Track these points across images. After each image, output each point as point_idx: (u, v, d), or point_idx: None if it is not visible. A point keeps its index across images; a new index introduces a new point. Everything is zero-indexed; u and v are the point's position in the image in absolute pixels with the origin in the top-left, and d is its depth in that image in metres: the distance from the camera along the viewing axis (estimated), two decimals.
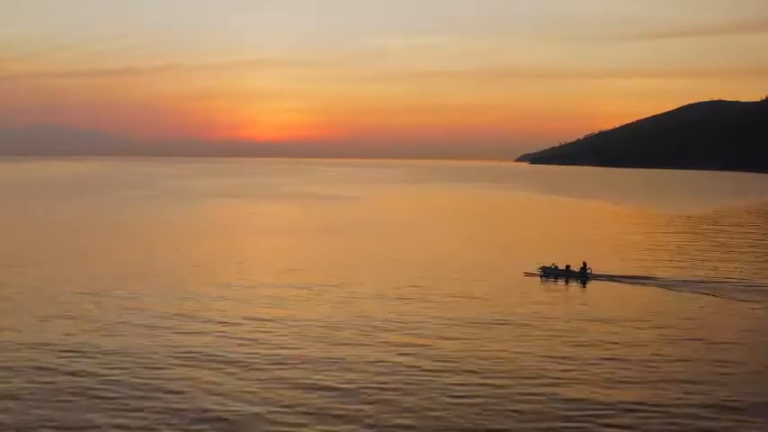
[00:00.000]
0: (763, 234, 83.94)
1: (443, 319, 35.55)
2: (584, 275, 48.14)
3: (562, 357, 29.21)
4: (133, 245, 63.66)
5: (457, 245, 67.34)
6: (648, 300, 41.73)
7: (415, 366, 27.71)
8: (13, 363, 27.68)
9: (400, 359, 28.63)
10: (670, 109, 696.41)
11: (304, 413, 22.95)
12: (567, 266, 49.12)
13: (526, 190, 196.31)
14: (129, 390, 24.78)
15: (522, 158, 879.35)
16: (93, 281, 45.07)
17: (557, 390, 25.27)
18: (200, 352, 29.21)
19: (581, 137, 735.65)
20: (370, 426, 22.15)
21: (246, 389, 25.01)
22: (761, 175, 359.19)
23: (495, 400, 24.21)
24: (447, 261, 55.67)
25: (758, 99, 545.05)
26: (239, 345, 30.45)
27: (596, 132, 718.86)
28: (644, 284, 46.44)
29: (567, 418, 22.81)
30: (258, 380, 25.95)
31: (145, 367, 27.19)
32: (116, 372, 26.64)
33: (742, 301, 41.65)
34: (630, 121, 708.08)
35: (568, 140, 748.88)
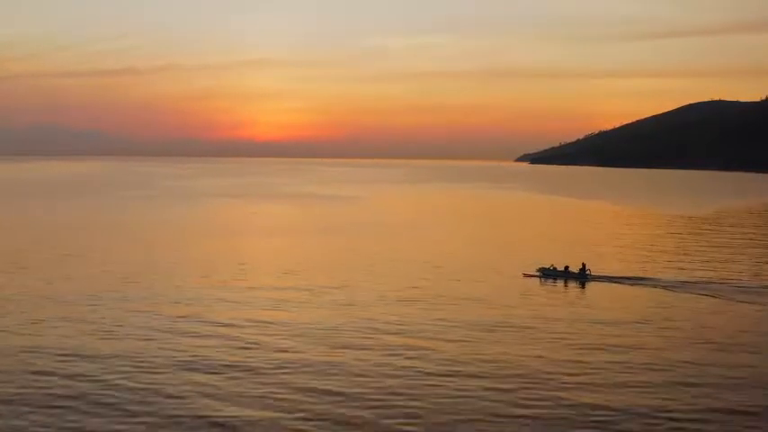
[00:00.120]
0: (765, 235, 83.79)
1: (444, 322, 35.38)
2: (583, 276, 48.04)
3: (565, 361, 29.02)
4: (133, 245, 63.55)
5: (457, 245, 67.25)
6: (649, 301, 41.57)
7: (417, 370, 27.50)
8: (8, 366, 27.48)
9: (402, 362, 28.44)
10: (670, 109, 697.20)
11: (305, 418, 22.78)
12: (566, 267, 49.03)
13: (526, 190, 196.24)
14: (127, 394, 24.58)
15: (522, 158, 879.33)
16: (93, 282, 44.96)
17: (561, 394, 25.08)
18: (199, 356, 29.03)
19: (581, 137, 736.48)
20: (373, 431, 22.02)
21: (246, 393, 24.83)
22: (761, 175, 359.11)
23: (498, 405, 24.03)
24: (447, 262, 55.57)
25: (758, 99, 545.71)
26: (239, 348, 30.24)
27: (596, 132, 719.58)
28: (643, 285, 46.30)
29: (572, 423, 22.65)
30: (258, 384, 25.75)
31: (143, 371, 26.98)
32: (114, 376, 26.42)
33: (743, 302, 41.48)
34: (630, 121, 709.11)
35: (568, 140, 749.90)
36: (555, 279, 48.29)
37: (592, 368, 28.02)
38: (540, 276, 48.85)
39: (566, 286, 46.53)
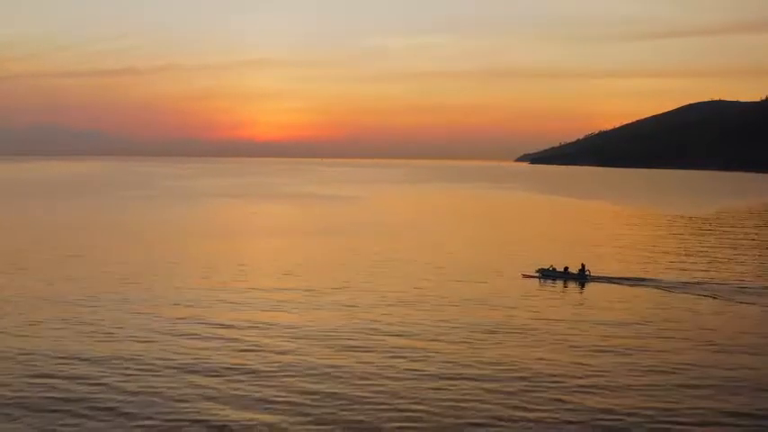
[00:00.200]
0: (765, 235, 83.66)
1: (445, 323, 35.27)
2: (582, 277, 48.00)
3: (567, 363, 28.91)
4: (132, 246, 63.50)
5: (457, 246, 67.17)
6: (650, 302, 41.44)
7: (419, 372, 27.37)
8: (6, 369, 27.36)
9: (403, 365, 28.30)
10: (670, 109, 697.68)
11: (306, 422, 22.70)
12: (566, 268, 48.99)
13: (526, 190, 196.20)
14: (127, 397, 24.47)
15: (521, 158, 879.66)
16: (92, 283, 44.89)
17: (563, 397, 24.98)
18: (199, 358, 28.90)
19: (581, 137, 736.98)
20: None
21: (247, 396, 24.71)
22: (761, 175, 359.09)
23: (501, 408, 23.91)
24: (447, 262, 55.50)
25: (758, 99, 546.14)
26: (240, 350, 30.12)
27: (596, 132, 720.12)
28: (643, 286, 46.19)
29: (576, 427, 22.57)
30: (259, 387, 25.63)
31: (143, 374, 26.86)
32: (113, 379, 26.30)
33: (744, 303, 41.39)
34: (630, 121, 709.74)
35: (568, 140, 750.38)
36: (554, 280, 48.25)
37: (594, 371, 27.92)
38: (539, 277, 48.82)
39: (565, 287, 46.50)
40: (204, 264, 53.77)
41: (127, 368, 27.46)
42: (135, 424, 22.34)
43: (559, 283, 47.33)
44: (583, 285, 46.85)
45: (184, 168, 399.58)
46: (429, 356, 29.49)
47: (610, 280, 48.02)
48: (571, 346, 31.45)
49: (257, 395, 24.79)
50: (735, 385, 26.57)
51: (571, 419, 23.03)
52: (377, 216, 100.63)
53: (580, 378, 27.00)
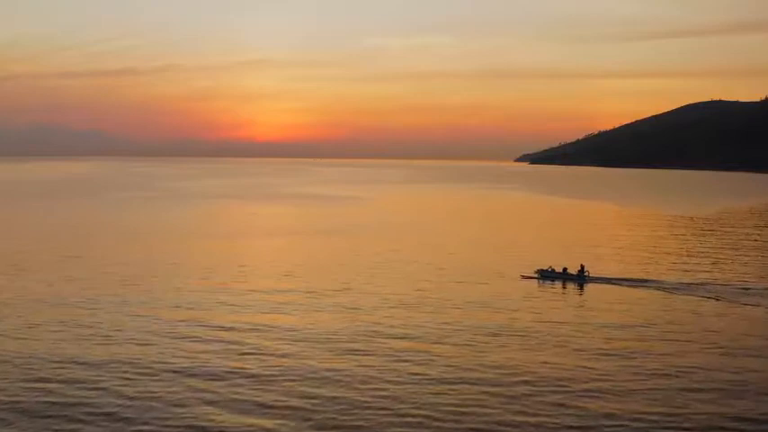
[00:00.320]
0: (767, 235, 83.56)
1: (446, 326, 35.04)
2: (581, 278, 47.90)
3: (570, 367, 28.67)
4: (132, 247, 63.34)
5: (457, 246, 67.00)
6: (650, 304, 41.18)
7: (421, 376, 27.15)
8: (3, 372, 27.14)
9: (404, 368, 28.09)
10: (670, 109, 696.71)
11: (306, 427, 22.52)
12: (565, 269, 48.87)
13: (526, 191, 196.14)
14: (126, 401, 24.27)
15: (521, 159, 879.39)
16: (91, 285, 44.68)
17: (567, 401, 24.76)
18: (199, 361, 28.69)
19: (581, 137, 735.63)
20: None
21: (247, 400, 24.50)
22: (761, 175, 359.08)
23: (503, 412, 23.74)
24: (447, 263, 55.33)
25: (758, 99, 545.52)
26: (240, 354, 29.91)
27: (596, 132, 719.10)
28: (643, 287, 46.01)
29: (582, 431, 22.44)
30: (259, 391, 25.42)
31: (142, 377, 26.63)
32: (112, 383, 26.09)
33: (748, 305, 41.14)
34: (630, 121, 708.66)
35: (568, 140, 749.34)
36: (553, 281, 48.13)
37: (598, 374, 27.66)
38: (537, 278, 48.73)
39: (564, 288, 46.39)
40: (204, 265, 53.65)
41: (125, 372, 27.24)
42: (133, 429, 22.14)
43: (558, 285, 47.22)
44: (582, 286, 46.72)
45: (184, 169, 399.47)
46: (430, 360, 29.26)
47: (609, 281, 47.90)
48: (573, 350, 31.22)
49: (257, 399, 24.57)
50: (739, 389, 26.31)
51: (575, 424, 22.81)
52: (377, 216, 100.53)
53: (584, 382, 26.75)
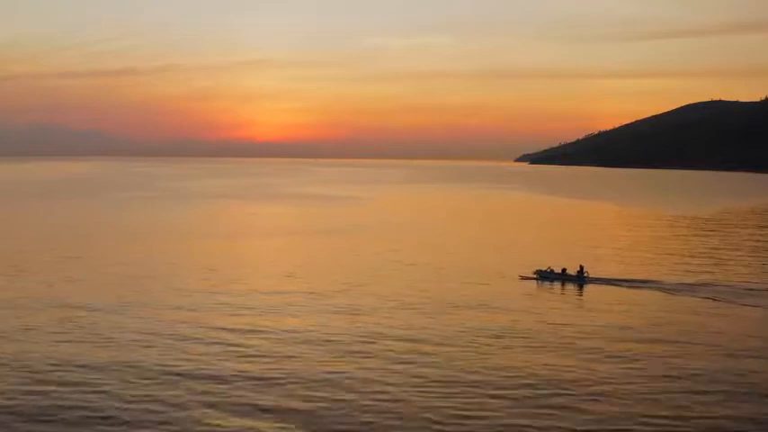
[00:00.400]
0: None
1: (446, 328, 34.89)
2: (580, 279, 47.84)
3: (573, 369, 28.51)
4: (132, 247, 63.25)
5: (457, 247, 66.92)
6: (652, 306, 41.01)
7: (422, 380, 26.94)
8: (1, 375, 26.97)
9: (404, 371, 27.95)
10: (670, 109, 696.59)
11: (308, 429, 22.39)
12: (564, 270, 48.81)
13: (526, 191, 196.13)
14: (125, 404, 24.11)
15: (521, 159, 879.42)
16: (91, 286, 44.59)
17: (569, 403, 24.63)
18: (199, 364, 28.48)
19: (581, 137, 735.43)
20: None
21: (246, 403, 24.35)
22: (761, 175, 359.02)
23: (506, 414, 23.61)
24: (448, 264, 55.19)
25: (758, 99, 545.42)
26: (240, 356, 29.73)
27: (596, 132, 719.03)
28: (643, 288, 45.84)
29: None
30: (259, 394, 25.28)
31: (142, 380, 26.44)
32: (111, 386, 25.87)
33: (750, 306, 41.00)
34: (630, 121, 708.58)
35: (568, 140, 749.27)
36: (552, 282, 48.08)
37: (600, 377, 27.48)
38: (536, 279, 48.69)
39: (563, 289, 46.35)
40: (204, 265, 53.59)
41: (125, 374, 27.06)
42: None
43: (557, 285, 47.17)
44: (581, 287, 46.64)
45: (184, 169, 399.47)
46: (431, 362, 29.09)
47: (608, 282, 47.82)
48: (574, 352, 31.05)
49: (258, 402, 24.40)
50: (743, 391, 26.15)
51: (579, 428, 22.68)
52: (377, 216, 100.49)
53: (586, 385, 26.58)
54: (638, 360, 29.86)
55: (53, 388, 25.69)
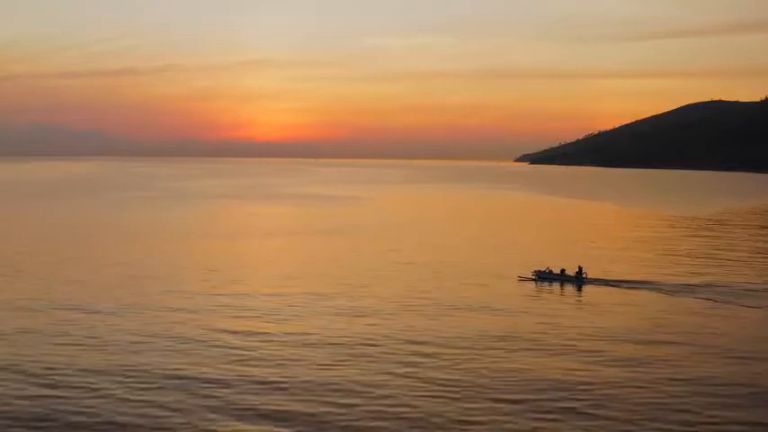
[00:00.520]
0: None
1: (446, 330, 34.79)
2: (579, 280, 47.76)
3: (572, 371, 28.42)
4: (131, 247, 63.10)
5: (457, 247, 66.72)
6: (650, 306, 40.89)
7: (423, 381, 26.83)
8: None
9: (409, 374, 27.82)
10: (670, 109, 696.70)
11: None
12: (562, 270, 48.69)
13: (526, 191, 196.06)
14: (122, 408, 23.97)
15: (521, 159, 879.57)
16: (90, 288, 44.45)
17: (574, 407, 24.49)
18: (199, 368, 28.31)
19: (581, 137, 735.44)
20: None
21: (246, 407, 24.23)
22: (761, 175, 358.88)
23: (511, 419, 23.48)
24: (447, 264, 55.01)
25: (758, 99, 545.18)
26: (240, 359, 29.58)
27: (596, 132, 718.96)
28: (642, 289, 45.72)
29: None
30: (259, 397, 25.15)
31: (140, 384, 26.26)
32: (109, 390, 25.72)
33: (748, 306, 40.88)
34: (630, 121, 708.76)
35: (568, 140, 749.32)
36: (550, 282, 48.01)
37: (605, 381, 27.26)
38: (535, 279, 48.62)
39: (562, 290, 46.28)
40: (204, 266, 53.48)
41: (123, 378, 26.89)
42: None
43: (556, 286, 47.07)
44: (580, 288, 46.52)
45: (184, 169, 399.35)
46: (433, 366, 28.94)
47: (607, 283, 47.70)
48: (578, 355, 30.90)
49: (259, 406, 24.26)
50: (745, 394, 26.00)
51: None
52: (377, 216, 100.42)
53: (591, 389, 26.40)
54: (640, 363, 29.67)
55: (50, 392, 25.51)
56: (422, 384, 26.62)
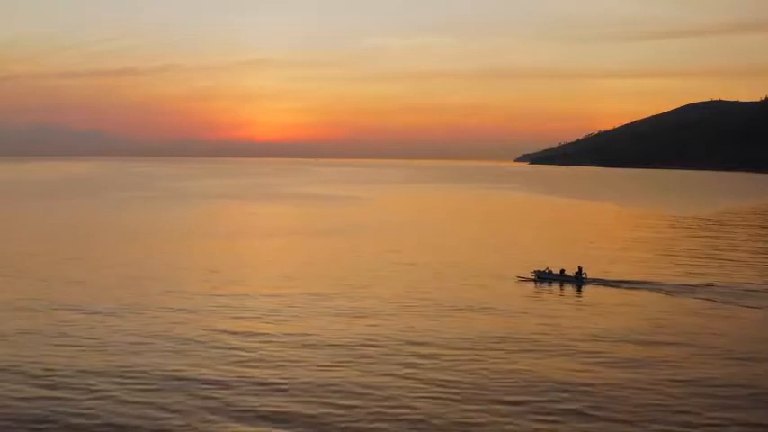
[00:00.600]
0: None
1: (446, 331, 34.72)
2: (579, 280, 47.71)
3: (574, 373, 28.33)
4: (131, 248, 63.03)
5: (457, 247, 66.62)
6: (650, 306, 40.80)
7: (426, 385, 26.67)
8: None
9: (409, 375, 27.74)
10: (670, 109, 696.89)
11: None
12: (562, 271, 48.63)
13: (526, 191, 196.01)
14: (121, 410, 23.88)
15: (521, 159, 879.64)
16: (89, 289, 44.38)
17: (576, 409, 24.42)
18: (197, 369, 28.21)
19: (581, 137, 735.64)
20: None
21: (246, 409, 24.14)
22: (761, 175, 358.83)
23: (512, 421, 23.41)
24: (447, 265, 54.90)
25: (758, 99, 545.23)
26: (240, 361, 29.49)
27: (596, 132, 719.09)
28: (642, 290, 45.64)
29: None
30: (259, 399, 25.08)
31: (139, 386, 26.14)
32: (108, 392, 25.62)
33: (749, 307, 40.80)
34: (630, 121, 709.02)
35: (568, 140, 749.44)
36: (550, 283, 47.95)
37: (605, 382, 27.22)
38: (534, 280, 48.57)
39: (561, 290, 46.22)
40: (204, 266, 53.43)
41: (122, 379, 26.80)
42: None
43: (556, 287, 47.01)
44: (579, 289, 46.45)
45: (184, 169, 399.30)
46: (434, 367, 28.87)
47: (607, 283, 47.64)
48: (578, 356, 30.83)
49: (259, 407, 24.18)
50: (746, 395, 25.94)
51: None
52: (377, 216, 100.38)
53: (592, 390, 26.34)
54: (640, 364, 29.59)
55: (49, 393, 25.43)
56: (422, 386, 26.53)
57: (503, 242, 73.01)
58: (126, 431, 22.36)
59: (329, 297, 42.45)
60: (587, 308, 41.03)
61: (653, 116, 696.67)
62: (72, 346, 31.43)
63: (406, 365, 28.96)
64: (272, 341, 32.42)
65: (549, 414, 23.93)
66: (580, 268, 48.35)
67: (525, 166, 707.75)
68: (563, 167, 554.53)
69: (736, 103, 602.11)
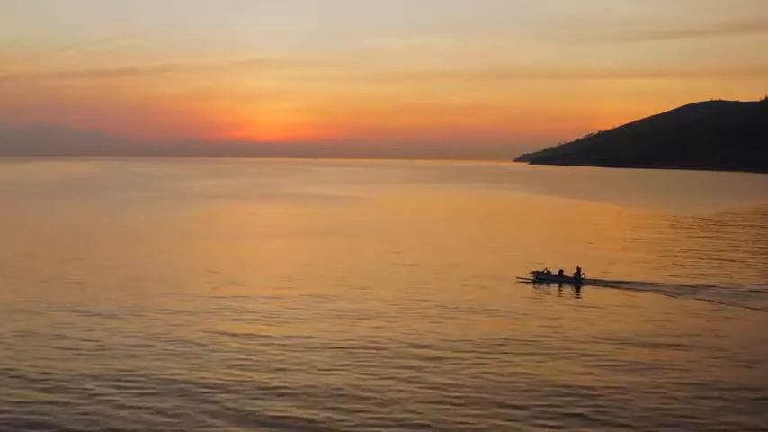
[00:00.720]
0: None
1: (446, 332, 34.53)
2: (578, 281, 47.48)
3: (576, 375, 28.12)
4: (131, 248, 62.82)
5: (457, 248, 66.38)
6: (650, 308, 40.55)
7: (428, 388, 26.45)
8: None
9: (411, 379, 27.53)
10: (670, 109, 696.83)
11: None
12: (561, 271, 48.41)
13: (526, 191, 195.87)
14: (120, 413, 23.65)
15: (521, 159, 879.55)
16: (88, 290, 44.11)
17: (578, 412, 24.21)
18: (197, 373, 28.00)
19: (581, 137, 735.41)
20: None
21: (247, 411, 23.95)
22: (761, 175, 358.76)
23: (515, 424, 23.18)
24: (447, 265, 54.67)
25: (758, 99, 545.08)
26: (240, 363, 29.29)
27: (596, 132, 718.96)
28: (642, 291, 45.40)
29: None
30: (258, 400, 24.87)
31: (137, 389, 25.92)
32: (106, 396, 25.39)
33: (748, 308, 40.63)
34: (630, 121, 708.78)
35: (568, 140, 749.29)
36: (549, 283, 47.71)
37: (608, 385, 27.01)
38: (533, 280, 48.35)
39: (560, 291, 45.99)
40: (204, 267, 53.21)
41: (121, 382, 26.58)
42: None
43: (554, 287, 46.76)
44: (578, 290, 46.22)
45: (184, 169, 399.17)
46: (435, 370, 28.64)
47: (606, 284, 47.42)
48: (580, 359, 30.63)
49: (259, 411, 23.97)
50: (749, 397, 25.74)
51: None
52: (377, 217, 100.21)
53: (594, 394, 26.14)
54: (644, 367, 29.36)
55: (47, 396, 25.18)
56: (424, 389, 26.31)
57: (503, 242, 72.80)
58: None
59: (330, 299, 42.23)
60: (588, 309, 40.76)
61: (653, 116, 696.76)
62: (71, 348, 31.17)
63: (408, 369, 28.72)
64: (272, 344, 32.19)
65: (552, 419, 23.69)
66: (579, 269, 48.14)
67: (525, 166, 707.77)
68: (563, 167, 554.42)
69: (736, 103, 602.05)
